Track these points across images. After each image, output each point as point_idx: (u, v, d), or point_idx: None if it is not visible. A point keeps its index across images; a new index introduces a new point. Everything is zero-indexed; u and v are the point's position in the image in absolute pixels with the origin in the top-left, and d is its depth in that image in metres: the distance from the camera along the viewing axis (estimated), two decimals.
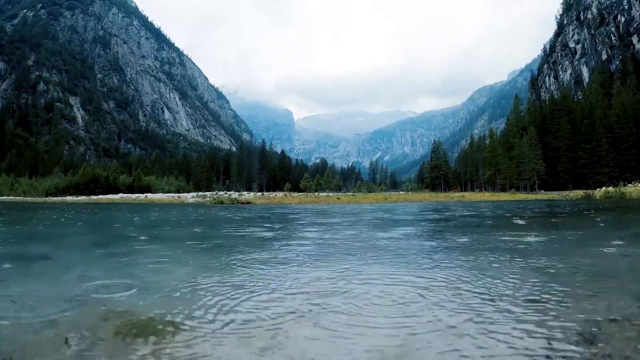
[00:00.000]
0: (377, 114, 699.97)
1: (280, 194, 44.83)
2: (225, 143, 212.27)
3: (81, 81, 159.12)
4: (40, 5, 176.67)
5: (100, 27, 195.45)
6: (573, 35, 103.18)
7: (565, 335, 1.49)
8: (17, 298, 2.20)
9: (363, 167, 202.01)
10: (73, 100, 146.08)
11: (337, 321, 1.74)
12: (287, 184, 68.92)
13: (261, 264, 3.28)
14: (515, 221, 7.87)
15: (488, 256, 3.46)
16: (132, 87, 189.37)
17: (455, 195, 33.55)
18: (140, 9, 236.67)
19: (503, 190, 55.14)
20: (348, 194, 51.19)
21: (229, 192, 43.21)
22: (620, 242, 4.40)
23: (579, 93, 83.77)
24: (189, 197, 35.97)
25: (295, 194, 43.94)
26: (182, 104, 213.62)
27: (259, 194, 46.26)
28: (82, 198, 42.46)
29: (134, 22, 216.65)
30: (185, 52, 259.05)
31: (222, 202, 23.57)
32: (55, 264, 3.52)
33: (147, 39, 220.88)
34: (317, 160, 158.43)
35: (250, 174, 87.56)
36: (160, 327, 1.64)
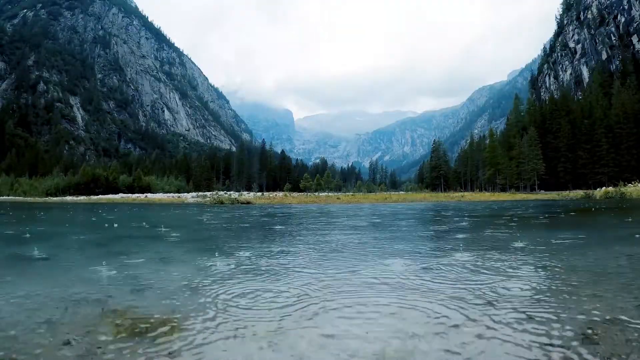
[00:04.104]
0: (377, 114, 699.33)
1: (280, 194, 44.82)
2: (225, 143, 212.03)
3: (81, 81, 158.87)
4: (40, 5, 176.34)
5: (100, 27, 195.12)
6: (573, 35, 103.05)
7: (566, 335, 1.49)
8: (18, 298, 2.20)
9: (363, 167, 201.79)
10: (73, 100, 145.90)
11: (338, 321, 1.73)
12: (287, 184, 68.84)
13: (260, 264, 3.28)
14: (517, 221, 7.86)
15: (488, 256, 3.46)
16: (132, 87, 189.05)
17: (455, 195, 33.59)
18: (140, 9, 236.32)
19: (503, 190, 55.07)
20: (348, 194, 51.22)
21: (229, 192, 43.19)
22: (620, 242, 4.40)
23: (579, 93, 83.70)
24: (189, 197, 35.98)
25: (295, 194, 43.93)
26: (182, 104, 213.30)
27: (259, 194, 46.25)
28: (82, 198, 42.44)
29: (134, 22, 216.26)
30: (185, 52, 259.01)
31: (222, 202, 23.57)
32: (55, 264, 3.52)
33: (147, 39, 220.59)
34: (317, 160, 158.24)
35: (250, 174, 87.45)
36: (160, 327, 1.63)
